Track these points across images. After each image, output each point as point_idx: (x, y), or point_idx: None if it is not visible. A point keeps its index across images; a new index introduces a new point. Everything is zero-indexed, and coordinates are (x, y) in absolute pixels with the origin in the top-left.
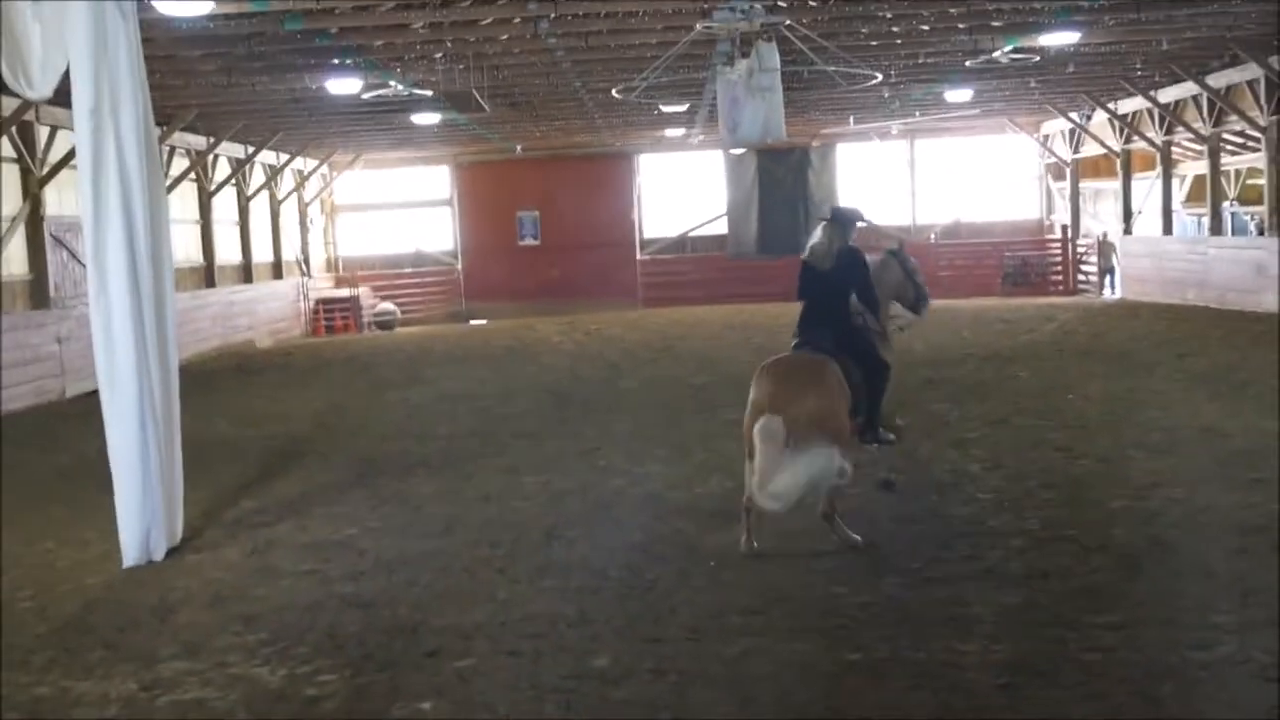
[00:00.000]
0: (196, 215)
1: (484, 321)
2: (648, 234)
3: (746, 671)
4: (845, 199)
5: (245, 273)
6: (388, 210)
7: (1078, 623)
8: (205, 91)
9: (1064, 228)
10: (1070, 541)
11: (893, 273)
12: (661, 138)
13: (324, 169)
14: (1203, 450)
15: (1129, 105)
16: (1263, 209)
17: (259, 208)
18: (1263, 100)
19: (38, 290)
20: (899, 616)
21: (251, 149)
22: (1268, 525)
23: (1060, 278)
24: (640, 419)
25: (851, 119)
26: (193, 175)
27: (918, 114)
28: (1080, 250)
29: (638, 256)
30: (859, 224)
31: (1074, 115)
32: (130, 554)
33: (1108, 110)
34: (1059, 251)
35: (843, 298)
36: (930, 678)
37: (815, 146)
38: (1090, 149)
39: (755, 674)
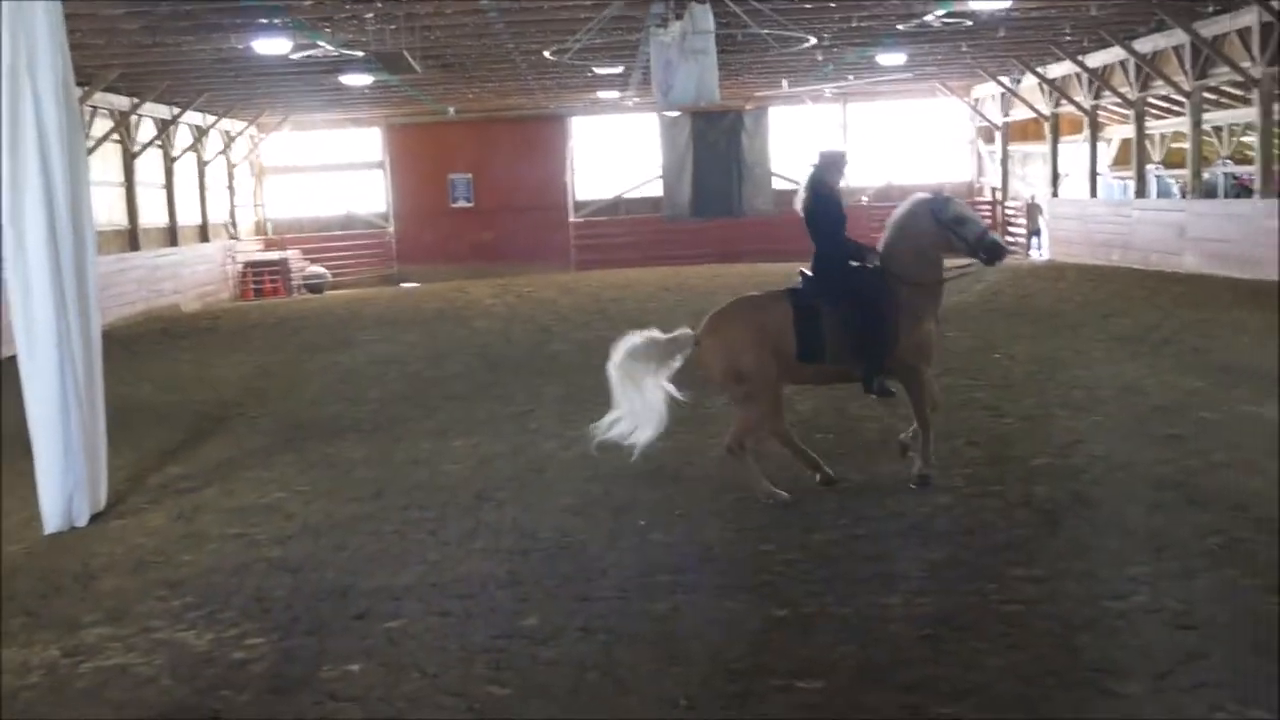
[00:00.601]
0: (120, 177)
1: (416, 284)
2: (581, 196)
3: (675, 629)
4: (778, 162)
5: (171, 236)
6: (318, 173)
7: (1000, 576)
8: (128, 50)
9: (994, 190)
10: (995, 498)
11: (919, 224)
12: (595, 100)
13: (252, 130)
14: (1123, 408)
15: (1058, 69)
16: (1186, 172)
17: (185, 170)
18: (1187, 65)
19: None
20: (826, 573)
21: (177, 110)
22: (1183, 480)
23: None
24: (572, 382)
25: (785, 82)
26: (115, 136)
27: (851, 78)
28: (1009, 212)
29: (571, 219)
30: (841, 166)
31: (1004, 79)
32: (52, 520)
33: (1037, 74)
34: (989, 214)
35: (817, 239)
36: (856, 631)
37: (749, 110)
38: (1020, 113)
39: (683, 631)
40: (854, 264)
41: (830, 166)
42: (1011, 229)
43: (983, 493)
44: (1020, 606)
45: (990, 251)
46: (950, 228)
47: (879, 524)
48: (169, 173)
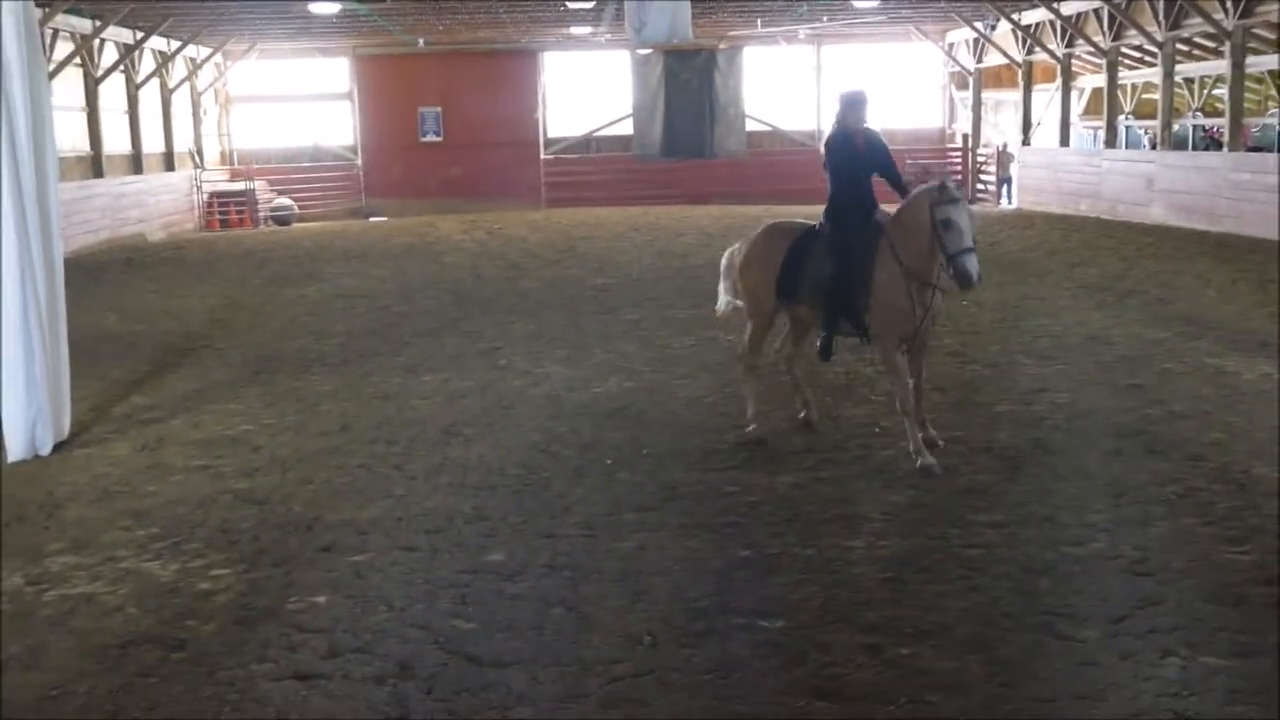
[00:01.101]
0: (82, 103)
1: (384, 218)
2: (552, 133)
3: (639, 567)
4: (751, 103)
5: (135, 163)
6: (285, 102)
7: (961, 520)
8: None
9: (965, 137)
10: (958, 443)
11: (917, 219)
12: (567, 35)
13: (218, 58)
14: (1087, 356)
15: (1032, 16)
16: (1156, 123)
17: (149, 96)
18: (1160, 16)
19: None
20: (790, 514)
21: (141, 34)
22: (1143, 429)
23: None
24: (541, 319)
25: (759, 22)
26: (78, 60)
27: (825, 19)
28: (980, 159)
29: (541, 156)
30: (861, 106)
31: (978, 25)
32: (15, 449)
33: (1011, 21)
34: (959, 160)
35: (830, 183)
36: (818, 572)
37: (722, 49)
38: (993, 59)
39: (648, 569)
40: (863, 216)
41: (850, 108)
42: (983, 176)
43: (946, 438)
44: (980, 550)
45: (959, 276)
46: (936, 225)
47: (842, 467)
48: (132, 99)
